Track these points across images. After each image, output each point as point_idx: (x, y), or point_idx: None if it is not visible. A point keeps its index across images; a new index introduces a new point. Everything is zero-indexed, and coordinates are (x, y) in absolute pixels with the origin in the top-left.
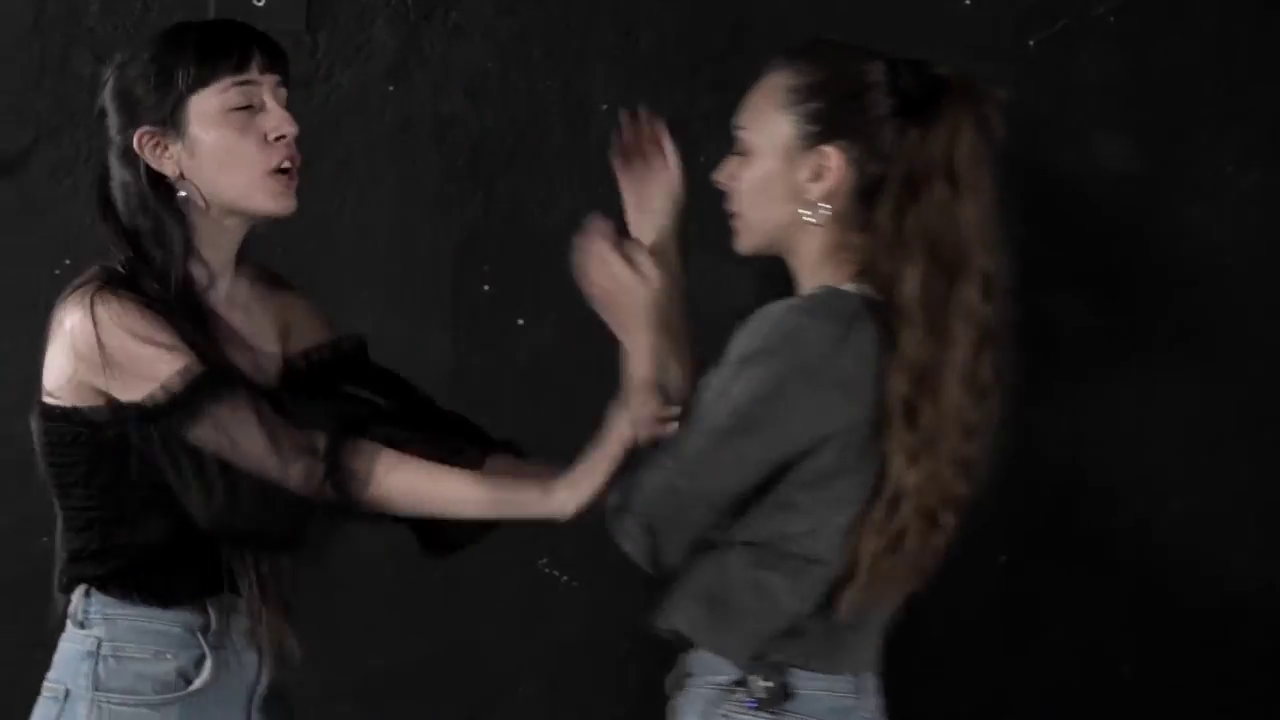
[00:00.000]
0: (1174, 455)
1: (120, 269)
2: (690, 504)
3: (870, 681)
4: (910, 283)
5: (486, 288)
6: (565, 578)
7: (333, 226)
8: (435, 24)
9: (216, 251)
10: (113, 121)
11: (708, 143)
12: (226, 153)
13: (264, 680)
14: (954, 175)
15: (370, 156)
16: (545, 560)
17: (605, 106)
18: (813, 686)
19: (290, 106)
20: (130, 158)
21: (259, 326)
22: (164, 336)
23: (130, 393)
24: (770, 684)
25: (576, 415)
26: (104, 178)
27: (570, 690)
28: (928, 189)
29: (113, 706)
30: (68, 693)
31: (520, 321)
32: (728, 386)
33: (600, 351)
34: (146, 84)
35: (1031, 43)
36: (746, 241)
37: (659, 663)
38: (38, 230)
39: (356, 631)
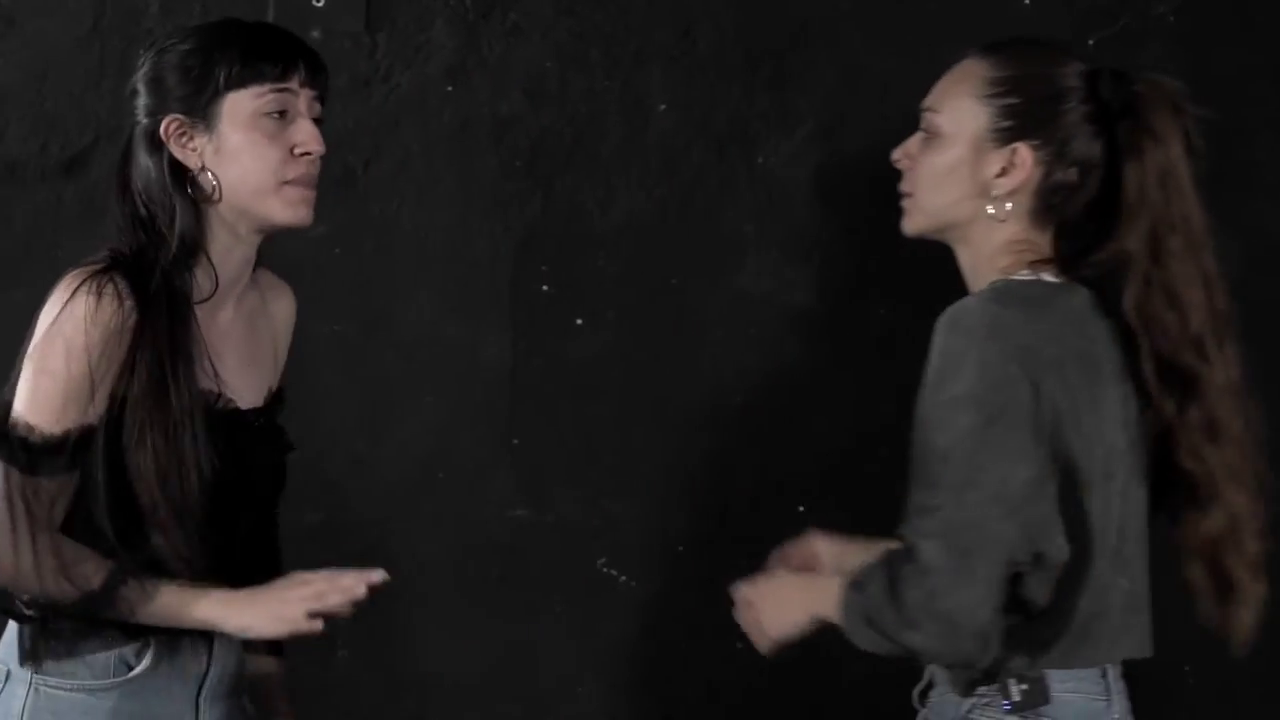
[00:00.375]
0: None
1: (128, 255)
2: (986, 516)
3: (1115, 674)
4: (1198, 309)
5: (545, 288)
6: (624, 577)
7: (391, 227)
8: (494, 24)
9: (227, 261)
10: (142, 104)
11: (765, 142)
12: (251, 156)
13: (214, 671)
14: (1184, 193)
15: (429, 157)
16: (604, 560)
17: (663, 106)
18: (1064, 688)
19: (349, 106)
20: (155, 143)
21: (259, 343)
22: (83, 383)
23: (16, 395)
24: (1026, 686)
25: (634, 415)
26: (126, 159)
27: (629, 690)
28: (1175, 213)
29: (50, 690)
30: (9, 674)
31: (579, 321)
32: (954, 391)
33: (658, 351)
34: (184, 73)
35: (1091, 42)
36: (915, 223)
37: (718, 662)
38: (99, 231)
39: (416, 632)
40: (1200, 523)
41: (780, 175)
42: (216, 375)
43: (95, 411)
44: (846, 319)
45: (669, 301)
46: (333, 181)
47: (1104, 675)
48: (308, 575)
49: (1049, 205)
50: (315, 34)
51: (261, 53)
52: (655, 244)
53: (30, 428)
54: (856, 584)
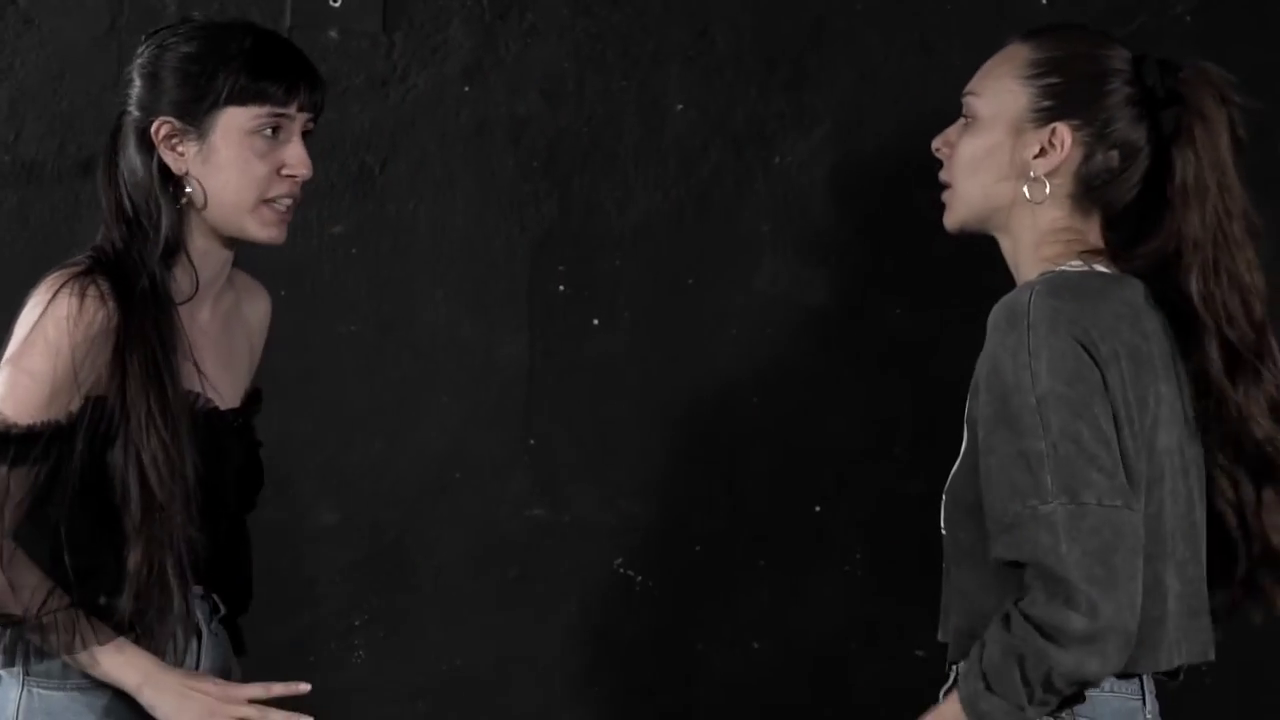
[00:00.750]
0: None
1: (110, 252)
2: (1110, 510)
3: (1149, 674)
4: (1260, 295)
5: (561, 288)
6: (640, 578)
7: (408, 227)
8: (511, 25)
9: (205, 262)
10: (136, 96)
11: (782, 142)
12: (239, 172)
13: (204, 665)
14: (1233, 178)
15: (446, 157)
16: (620, 561)
17: (680, 106)
18: (1099, 687)
19: (366, 106)
20: (146, 141)
21: (235, 344)
22: (62, 379)
23: None
24: None
25: (650, 415)
26: (115, 146)
27: (646, 691)
28: (1233, 199)
29: (43, 691)
30: (0, 678)
31: (595, 321)
32: (1037, 392)
33: (675, 352)
34: (184, 77)
35: None
36: (956, 215)
37: (735, 663)
38: None
39: (432, 631)
40: (1274, 502)
41: (797, 175)
42: (200, 375)
43: (69, 412)
44: (862, 319)
45: (685, 301)
46: (349, 181)
47: (1139, 675)
48: (241, 691)
49: (1090, 189)
50: (332, 34)
51: (267, 72)
52: (672, 244)
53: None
54: (987, 690)
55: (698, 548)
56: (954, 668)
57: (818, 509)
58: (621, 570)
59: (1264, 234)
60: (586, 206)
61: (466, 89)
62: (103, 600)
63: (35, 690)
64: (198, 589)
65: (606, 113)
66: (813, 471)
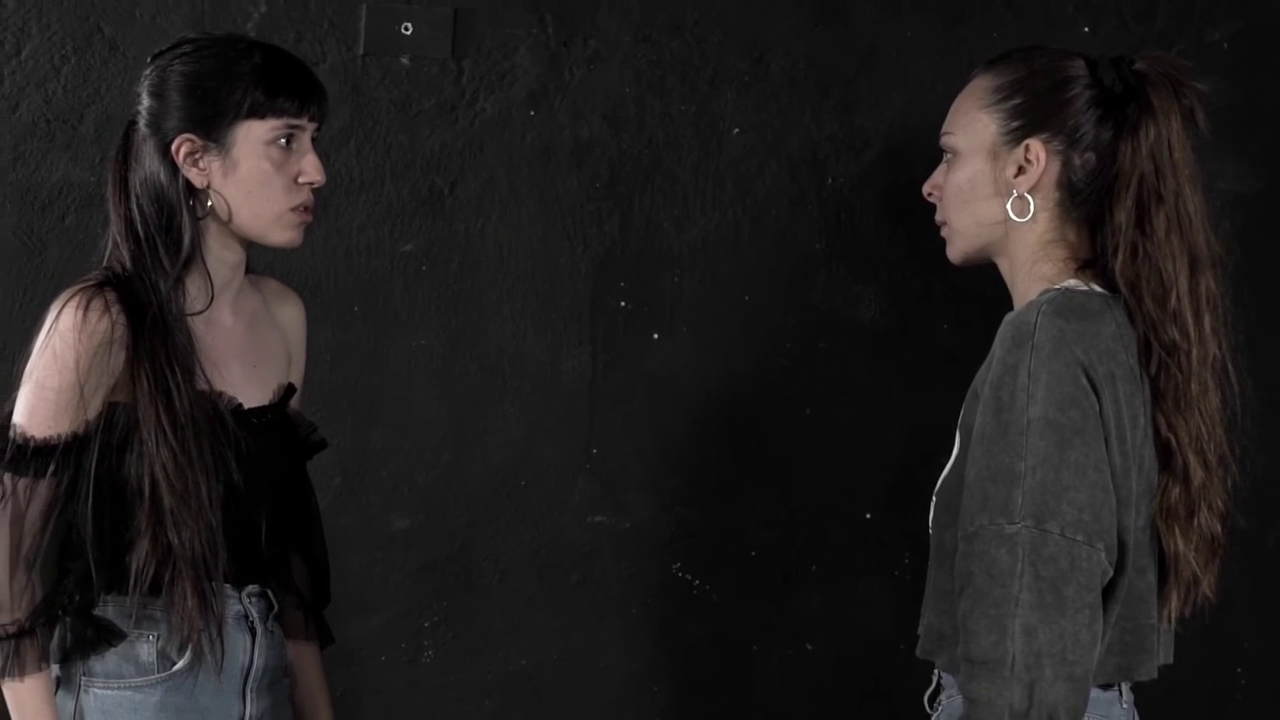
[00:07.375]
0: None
1: (122, 269)
2: (1071, 543)
3: (1128, 689)
4: (1179, 286)
5: (623, 303)
6: (697, 581)
7: (476, 245)
8: (575, 52)
9: (221, 265)
10: (151, 115)
11: (835, 164)
12: (259, 183)
13: (258, 662)
14: (1177, 168)
15: (512, 178)
16: (679, 565)
17: (737, 130)
18: None
19: (436, 130)
20: (169, 160)
21: (264, 345)
22: (70, 390)
23: (15, 407)
24: None
25: (708, 425)
26: (126, 159)
27: (703, 691)
28: (1165, 187)
29: (98, 691)
30: (58, 680)
31: (655, 336)
32: (1029, 415)
33: (731, 365)
34: (204, 94)
35: None
36: (955, 248)
37: (789, 664)
38: None
39: (498, 632)
40: (1164, 492)
41: (849, 196)
42: (218, 377)
43: (84, 420)
44: (911, 334)
45: (742, 317)
46: (420, 202)
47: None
48: None
49: (1075, 194)
50: (404, 60)
51: (281, 86)
52: (729, 262)
53: (17, 429)
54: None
55: (753, 553)
56: (936, 672)
57: (868, 516)
58: (680, 574)
59: (1209, 223)
60: (647, 226)
61: (532, 113)
62: (113, 597)
63: (91, 691)
64: (253, 587)
65: (666, 136)
66: (864, 480)
